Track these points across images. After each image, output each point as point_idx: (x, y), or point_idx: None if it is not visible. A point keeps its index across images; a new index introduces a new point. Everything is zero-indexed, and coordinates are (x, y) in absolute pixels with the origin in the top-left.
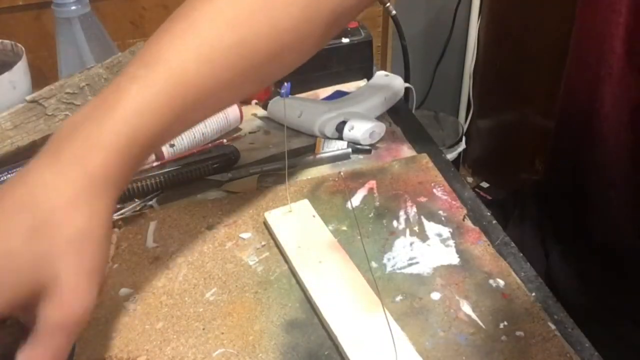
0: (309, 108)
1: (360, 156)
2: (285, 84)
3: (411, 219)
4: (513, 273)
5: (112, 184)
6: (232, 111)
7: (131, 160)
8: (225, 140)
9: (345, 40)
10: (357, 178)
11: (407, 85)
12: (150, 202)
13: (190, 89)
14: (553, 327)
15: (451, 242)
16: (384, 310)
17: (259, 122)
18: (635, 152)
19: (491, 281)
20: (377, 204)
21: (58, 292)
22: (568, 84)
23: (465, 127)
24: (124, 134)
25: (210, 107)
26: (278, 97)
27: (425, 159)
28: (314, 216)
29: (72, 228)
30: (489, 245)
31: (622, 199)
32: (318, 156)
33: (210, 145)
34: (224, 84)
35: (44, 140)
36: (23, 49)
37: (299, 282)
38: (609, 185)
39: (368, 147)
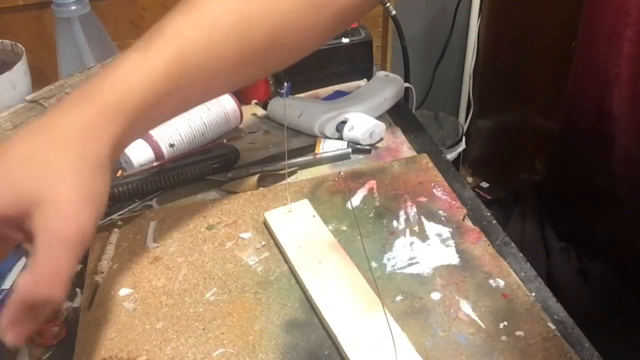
0: (309, 108)
1: (360, 156)
2: (285, 84)
3: (411, 219)
4: (513, 273)
5: (107, 130)
6: (232, 111)
7: (126, 116)
8: (225, 140)
9: (345, 40)
10: (357, 178)
11: (407, 85)
12: (150, 202)
13: (187, 60)
14: (553, 327)
15: (451, 242)
16: (384, 310)
17: (259, 122)
18: None
19: (491, 281)
20: (377, 204)
21: (55, 204)
22: (574, 85)
23: (465, 127)
24: (122, 89)
25: (208, 85)
26: (278, 97)
27: (425, 159)
28: (314, 216)
29: (65, 153)
30: (489, 245)
31: (629, 197)
32: (318, 156)
33: (210, 145)
34: (222, 62)
35: None
36: (23, 49)
37: (299, 282)
38: (616, 183)
39: (368, 147)
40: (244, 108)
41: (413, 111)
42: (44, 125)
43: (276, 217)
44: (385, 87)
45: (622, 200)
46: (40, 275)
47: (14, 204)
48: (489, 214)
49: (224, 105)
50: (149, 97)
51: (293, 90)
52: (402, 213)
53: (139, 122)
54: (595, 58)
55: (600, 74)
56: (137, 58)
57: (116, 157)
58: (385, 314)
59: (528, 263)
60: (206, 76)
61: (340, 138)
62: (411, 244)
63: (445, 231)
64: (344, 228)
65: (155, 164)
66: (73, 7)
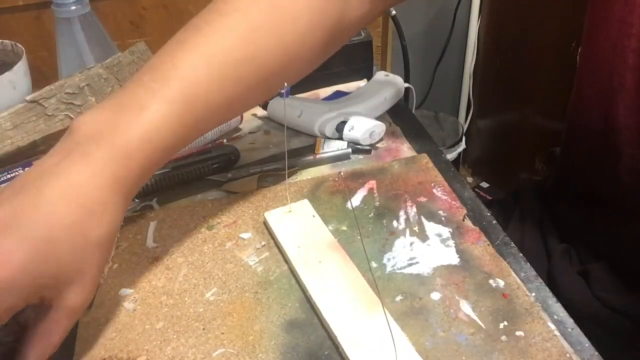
0: (309, 108)
1: (360, 156)
2: (286, 84)
3: (411, 219)
4: (513, 273)
5: (130, 190)
6: None
7: (146, 171)
8: (225, 140)
9: None
10: (357, 178)
11: (407, 85)
12: (150, 202)
13: (200, 104)
14: (553, 327)
15: (451, 242)
16: (384, 310)
17: (259, 122)
18: None
19: (491, 281)
20: (377, 204)
21: (83, 283)
22: (579, 92)
23: (465, 127)
24: (143, 148)
25: (219, 120)
26: (278, 97)
27: (425, 159)
28: (314, 216)
29: (102, 228)
30: (489, 245)
31: (633, 201)
32: (318, 156)
33: (210, 145)
34: (233, 98)
35: (44, 140)
36: (23, 49)
37: (299, 282)
38: (620, 188)
39: (368, 147)
40: None
41: (413, 111)
42: (80, 187)
43: (276, 217)
44: (385, 87)
45: (625, 203)
46: (53, 339)
47: (54, 278)
48: (489, 214)
49: None
50: (169, 149)
51: (293, 90)
52: (402, 213)
53: (152, 172)
54: (599, 67)
55: (605, 83)
56: (158, 109)
57: None
58: (385, 314)
59: (528, 263)
60: (216, 112)
61: (340, 138)
62: (411, 244)
63: (445, 231)
64: (344, 228)
65: None
66: (73, 7)
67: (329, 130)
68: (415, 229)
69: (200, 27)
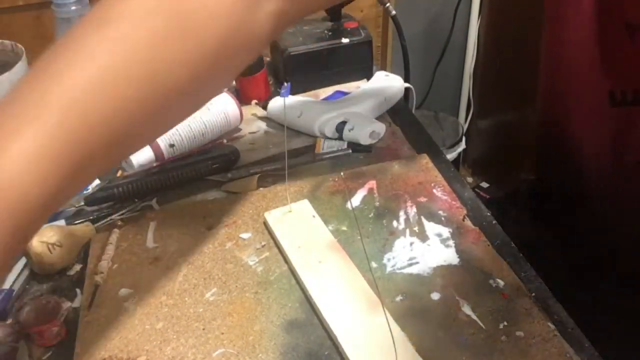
0: (309, 108)
1: (360, 156)
2: (285, 84)
3: (411, 219)
4: (513, 273)
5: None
6: (232, 111)
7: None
8: (225, 140)
9: (345, 40)
10: (357, 178)
11: (407, 85)
12: (150, 202)
13: (95, 129)
14: (553, 327)
15: (451, 242)
16: (384, 310)
17: (259, 122)
18: (614, 169)
19: (491, 281)
20: (377, 204)
21: None
22: (542, 107)
23: (465, 127)
24: (15, 184)
25: (131, 145)
26: (278, 97)
27: (425, 159)
28: (314, 216)
29: None
30: (489, 245)
31: (603, 209)
32: (318, 156)
33: (210, 145)
34: (140, 124)
35: None
36: (23, 49)
37: (299, 282)
38: (591, 194)
39: (368, 147)
40: (244, 108)
41: (413, 111)
42: None
43: (276, 217)
44: (385, 87)
45: (598, 205)
46: None
47: None
48: (489, 214)
49: (224, 105)
50: (49, 190)
51: (293, 90)
52: (402, 213)
53: (33, 217)
54: (559, 77)
55: (564, 101)
56: (32, 141)
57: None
58: (385, 314)
59: (528, 263)
60: (121, 143)
61: (340, 138)
62: (411, 244)
63: (445, 231)
64: (344, 228)
65: (155, 164)
66: (73, 7)
67: (329, 130)
68: (415, 229)
69: (79, 41)
